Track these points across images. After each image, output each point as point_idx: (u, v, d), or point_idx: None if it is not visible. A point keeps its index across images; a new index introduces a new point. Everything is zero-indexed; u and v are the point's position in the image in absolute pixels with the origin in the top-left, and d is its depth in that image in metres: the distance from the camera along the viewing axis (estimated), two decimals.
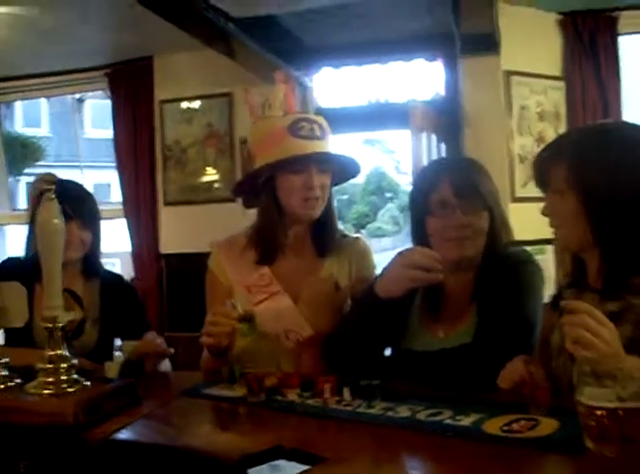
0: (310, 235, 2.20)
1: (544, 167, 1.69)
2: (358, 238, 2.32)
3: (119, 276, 2.68)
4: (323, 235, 2.19)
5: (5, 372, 1.72)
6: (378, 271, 2.09)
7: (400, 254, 1.85)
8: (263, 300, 2.12)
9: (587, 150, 1.61)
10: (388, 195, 32.28)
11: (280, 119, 2.10)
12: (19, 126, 16.73)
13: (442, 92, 4.72)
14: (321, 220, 2.17)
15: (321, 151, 2.09)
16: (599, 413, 1.18)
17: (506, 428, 1.36)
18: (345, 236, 2.28)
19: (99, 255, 2.51)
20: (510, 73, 4.36)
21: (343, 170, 2.23)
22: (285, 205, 2.13)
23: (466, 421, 1.42)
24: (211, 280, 2.24)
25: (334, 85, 5.68)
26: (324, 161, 2.11)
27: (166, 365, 2.30)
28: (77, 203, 2.34)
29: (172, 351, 2.21)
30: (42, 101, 16.37)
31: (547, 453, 1.25)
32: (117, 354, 2.13)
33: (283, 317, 2.09)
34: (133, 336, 2.22)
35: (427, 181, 1.98)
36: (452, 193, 1.87)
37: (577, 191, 1.59)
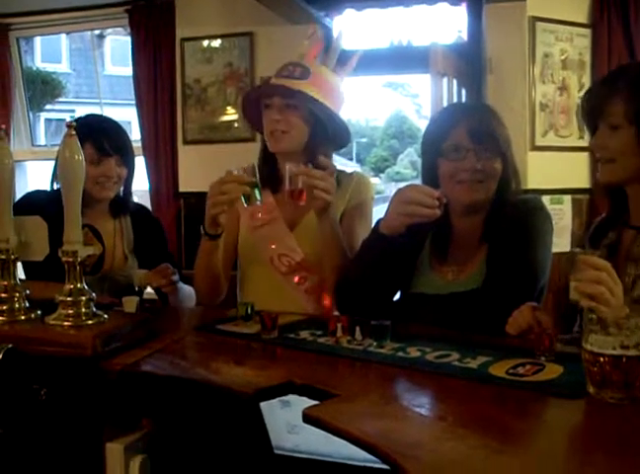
0: None
1: (599, 101, 1.67)
2: (354, 172, 2.40)
3: (145, 209, 2.71)
4: None
5: (26, 304, 1.77)
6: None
7: (399, 190, 1.88)
8: (262, 225, 2.24)
9: None
10: (408, 139, 32.06)
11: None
12: (38, 62, 16.67)
13: (465, 36, 4.66)
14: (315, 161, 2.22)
15: (283, 84, 2.19)
16: (602, 360, 1.21)
17: (511, 371, 1.39)
18: (341, 172, 2.33)
19: (131, 192, 2.52)
20: (535, 19, 4.30)
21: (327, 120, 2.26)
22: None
23: (473, 363, 1.46)
24: None
25: (356, 27, 5.62)
26: (288, 95, 2.19)
27: (184, 295, 2.35)
28: (116, 140, 2.36)
29: (175, 284, 2.26)
30: (62, 36, 16.28)
31: (550, 397, 1.28)
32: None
33: (278, 241, 2.21)
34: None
35: (442, 124, 1.98)
36: (468, 136, 1.88)
37: (636, 124, 1.59)
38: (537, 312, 1.59)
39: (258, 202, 2.04)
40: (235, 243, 2.32)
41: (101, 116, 2.57)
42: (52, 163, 2.39)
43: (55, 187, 2.38)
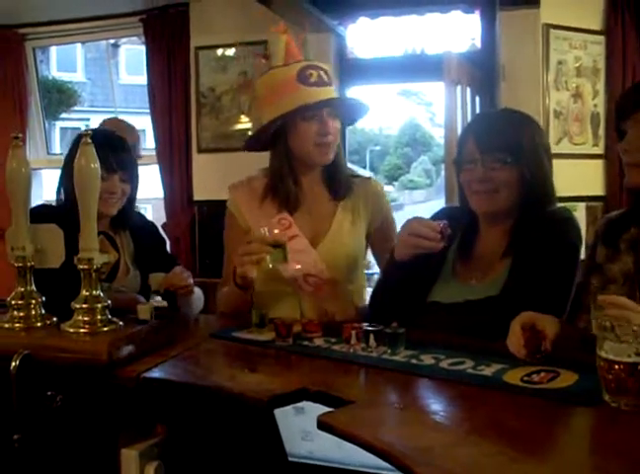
0: (322, 180, 2.27)
1: (631, 103, 1.64)
2: (369, 178, 2.37)
3: (140, 215, 2.68)
4: (335, 178, 2.25)
5: (42, 311, 1.79)
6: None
7: (407, 222, 1.92)
8: None
9: None
10: (422, 147, 32.04)
11: (287, 69, 2.15)
12: (54, 71, 16.80)
13: (479, 44, 4.67)
14: (332, 164, 2.23)
15: (332, 97, 2.17)
16: (617, 367, 1.21)
17: (526, 378, 1.39)
18: (355, 176, 2.33)
19: (133, 209, 2.51)
20: (549, 26, 4.29)
21: (352, 112, 2.30)
22: (299, 152, 2.19)
23: (487, 370, 1.46)
24: (230, 222, 2.33)
25: (370, 35, 5.63)
26: (335, 106, 2.18)
27: (195, 298, 2.36)
28: (121, 156, 2.35)
29: (190, 290, 2.26)
30: (78, 46, 16.41)
31: (565, 404, 1.28)
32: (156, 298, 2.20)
33: (303, 261, 2.14)
34: (165, 270, 2.28)
35: (461, 136, 2.03)
36: (475, 147, 1.89)
37: None
38: (529, 319, 1.54)
39: (284, 263, 1.99)
40: None
41: (107, 131, 2.56)
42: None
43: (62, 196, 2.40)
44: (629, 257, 1.67)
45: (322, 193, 2.27)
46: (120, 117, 4.67)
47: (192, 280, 2.26)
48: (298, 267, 2.13)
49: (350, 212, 2.24)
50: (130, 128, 3.87)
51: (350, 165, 2.46)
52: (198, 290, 2.39)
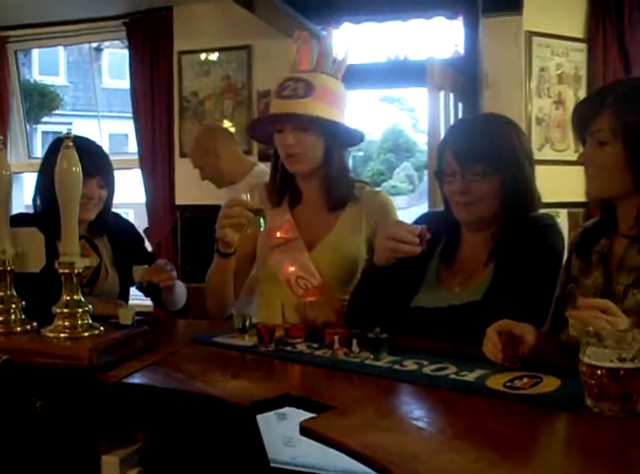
0: (321, 190, 2.25)
1: (587, 115, 1.66)
2: (378, 192, 2.34)
3: (117, 215, 2.65)
4: (330, 191, 2.23)
5: (22, 316, 1.77)
6: None
7: (386, 226, 1.92)
8: (280, 244, 2.20)
9: (634, 101, 1.59)
10: (405, 153, 32.03)
11: (279, 80, 2.19)
12: (36, 74, 16.71)
13: (462, 51, 4.69)
14: (328, 176, 2.21)
15: (289, 112, 2.12)
16: (599, 372, 1.21)
17: (509, 384, 1.39)
18: (362, 186, 2.29)
19: (110, 214, 2.51)
20: (531, 34, 4.32)
21: (342, 131, 2.23)
22: (282, 161, 2.23)
23: (470, 376, 1.46)
24: None
25: (353, 41, 5.65)
26: (299, 119, 2.14)
27: (178, 291, 2.41)
28: (97, 161, 2.35)
29: (173, 282, 2.30)
30: (60, 49, 16.33)
31: (548, 410, 1.28)
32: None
33: (296, 263, 2.16)
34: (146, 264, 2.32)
35: (439, 146, 2.00)
36: (454, 159, 1.88)
37: (622, 141, 1.58)
38: (506, 325, 1.54)
39: (261, 229, 2.04)
40: (249, 258, 2.29)
41: (82, 137, 2.55)
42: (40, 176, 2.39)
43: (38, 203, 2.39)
44: (598, 271, 1.68)
45: (321, 202, 2.26)
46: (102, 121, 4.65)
47: (174, 273, 2.29)
48: (292, 269, 2.16)
49: (350, 223, 2.22)
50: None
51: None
52: (180, 284, 2.42)
